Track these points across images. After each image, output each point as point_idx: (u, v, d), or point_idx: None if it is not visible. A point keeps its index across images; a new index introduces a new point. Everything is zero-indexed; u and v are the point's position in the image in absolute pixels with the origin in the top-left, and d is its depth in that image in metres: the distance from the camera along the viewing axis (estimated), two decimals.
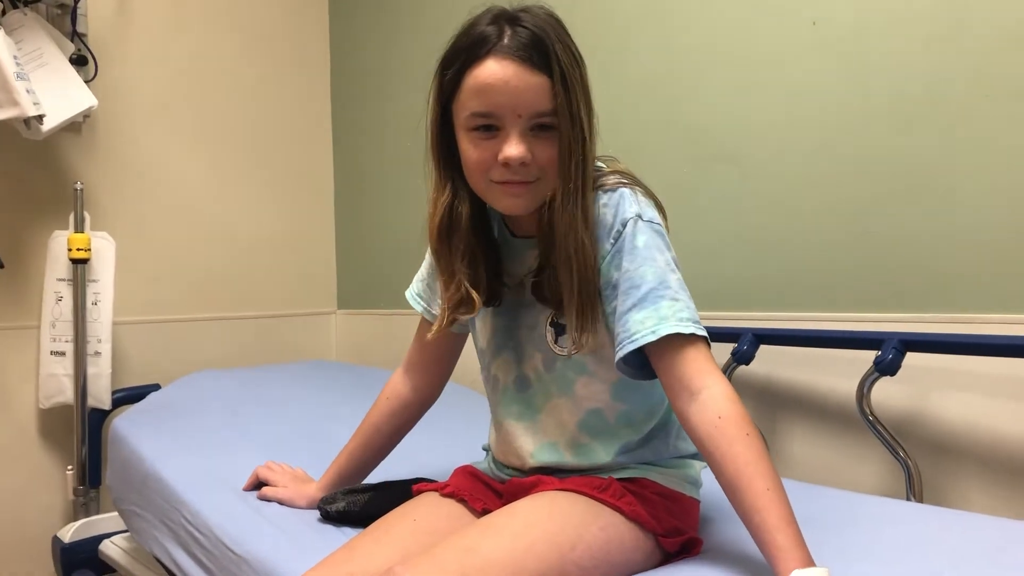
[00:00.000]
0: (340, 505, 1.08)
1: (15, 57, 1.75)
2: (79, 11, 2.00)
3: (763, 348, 1.44)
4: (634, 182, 0.93)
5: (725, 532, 0.96)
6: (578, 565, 0.82)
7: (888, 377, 1.24)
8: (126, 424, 1.58)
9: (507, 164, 0.86)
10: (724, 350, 1.45)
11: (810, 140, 1.45)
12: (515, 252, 0.99)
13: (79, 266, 1.96)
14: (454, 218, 0.94)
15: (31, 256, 2.01)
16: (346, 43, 2.61)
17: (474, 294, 0.94)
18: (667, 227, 0.93)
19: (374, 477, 1.17)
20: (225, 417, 1.62)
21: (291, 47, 2.56)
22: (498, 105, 0.86)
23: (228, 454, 1.39)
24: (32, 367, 2.01)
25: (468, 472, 1.06)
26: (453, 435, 1.45)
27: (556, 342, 0.96)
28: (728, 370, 1.45)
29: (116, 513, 1.57)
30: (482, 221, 0.97)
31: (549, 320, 0.96)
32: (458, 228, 0.94)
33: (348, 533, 1.04)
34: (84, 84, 1.93)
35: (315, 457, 1.29)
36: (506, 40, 0.85)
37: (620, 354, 0.87)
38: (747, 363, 1.44)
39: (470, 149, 0.89)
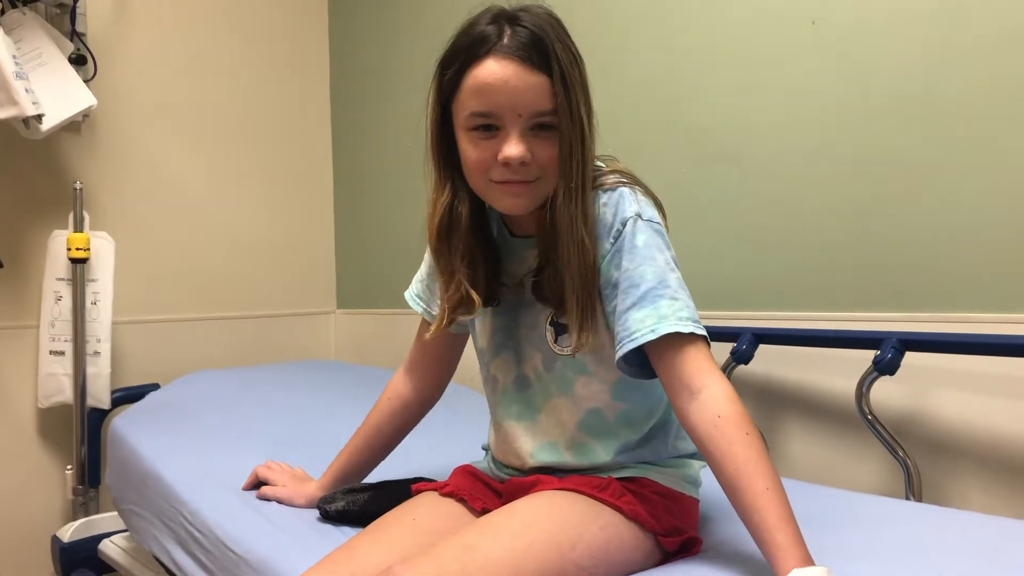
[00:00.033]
0: (339, 504, 1.08)
1: (14, 56, 1.74)
2: (78, 10, 2.00)
3: (762, 347, 1.44)
4: (633, 181, 0.93)
5: (724, 531, 0.96)
6: (577, 564, 0.82)
7: (887, 376, 1.24)
8: (125, 423, 1.58)
9: (507, 164, 0.86)
10: (723, 349, 1.45)
11: (810, 140, 1.45)
12: (514, 252, 0.99)
13: (78, 266, 1.96)
14: (454, 218, 0.94)
15: (30, 255, 2.01)
16: (345, 43, 2.61)
17: (473, 294, 0.94)
18: (667, 226, 0.93)
19: (374, 477, 1.17)
20: (224, 416, 1.62)
21: (290, 46, 2.56)
22: (498, 105, 0.86)
23: (227, 453, 1.39)
24: (31, 366, 2.01)
25: (467, 471, 1.06)
26: (452, 435, 1.45)
27: (556, 342, 0.96)
28: (727, 369, 1.45)
29: (115, 513, 1.57)
30: (481, 221, 0.97)
31: (549, 320, 0.96)
32: (458, 228, 0.94)
33: (347, 532, 1.04)
34: (83, 83, 1.93)
35: (314, 456, 1.29)
36: (506, 40, 0.85)
37: (620, 353, 0.87)
38: (746, 362, 1.44)
39: (470, 149, 0.89)
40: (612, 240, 0.90)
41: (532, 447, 0.98)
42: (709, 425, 0.80)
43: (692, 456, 1.00)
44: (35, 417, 2.03)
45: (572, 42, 0.89)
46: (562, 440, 0.97)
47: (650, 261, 0.87)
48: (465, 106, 0.88)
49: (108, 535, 1.75)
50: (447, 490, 1.00)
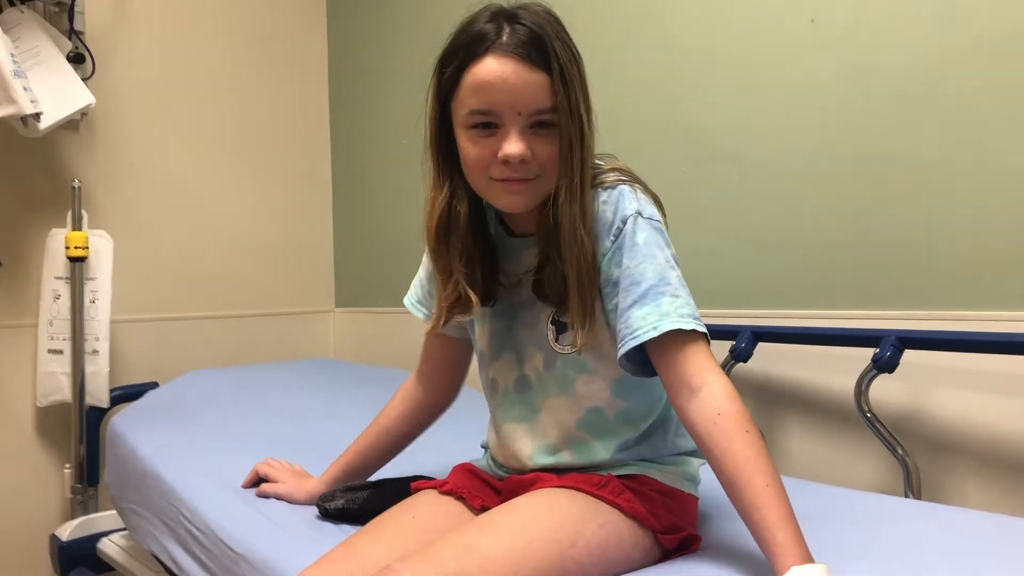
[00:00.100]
0: (339, 502, 1.08)
1: (12, 55, 1.74)
2: (76, 9, 2.00)
3: (761, 346, 1.44)
4: (633, 179, 0.93)
5: (724, 529, 0.96)
6: (577, 562, 0.82)
7: (886, 374, 1.24)
8: (124, 422, 1.58)
9: (507, 161, 0.86)
10: (722, 348, 1.45)
11: (809, 139, 1.45)
12: (513, 251, 0.99)
13: (77, 264, 1.95)
14: (452, 217, 0.94)
15: (29, 254, 2.01)
16: (344, 42, 2.61)
17: (471, 294, 0.94)
18: (666, 224, 0.93)
19: (374, 476, 1.17)
20: (223, 415, 1.62)
21: (289, 45, 2.55)
22: (497, 103, 0.86)
23: (226, 452, 1.39)
24: (30, 365, 2.01)
25: (467, 469, 1.06)
26: (452, 433, 1.45)
27: (557, 340, 0.95)
28: (726, 368, 1.45)
29: (114, 511, 1.57)
30: (479, 220, 0.97)
31: (550, 319, 0.96)
32: (456, 227, 0.94)
33: (347, 531, 1.04)
34: (82, 82, 1.93)
35: (313, 454, 1.29)
36: (505, 37, 0.85)
37: (622, 350, 0.87)
38: (745, 361, 1.44)
39: (469, 147, 0.89)
40: (612, 238, 0.90)
41: (531, 449, 0.98)
42: (709, 423, 0.80)
43: (691, 454, 1.00)
44: (34, 416, 2.03)
45: (571, 40, 0.89)
46: (562, 440, 0.97)
47: (651, 259, 0.87)
48: (464, 104, 0.88)
49: (107, 534, 1.75)
50: (446, 488, 1.00)
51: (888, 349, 1.22)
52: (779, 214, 1.50)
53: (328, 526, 1.07)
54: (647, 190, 0.94)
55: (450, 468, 1.07)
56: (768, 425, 1.50)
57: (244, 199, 2.43)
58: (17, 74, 1.73)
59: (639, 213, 0.89)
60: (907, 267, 1.33)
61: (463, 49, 0.87)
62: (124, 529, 1.61)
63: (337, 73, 2.64)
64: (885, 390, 1.32)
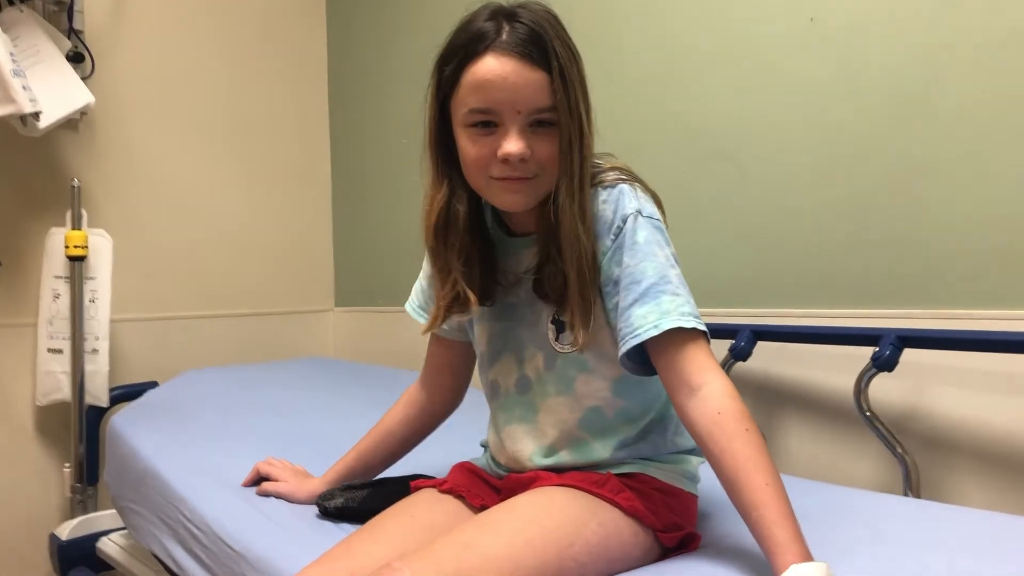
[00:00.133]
0: (338, 501, 1.08)
1: (11, 54, 1.74)
2: (76, 8, 2.00)
3: (760, 344, 1.44)
4: (632, 178, 0.93)
5: (723, 527, 0.96)
6: (576, 561, 0.82)
7: (886, 373, 1.24)
8: (123, 421, 1.58)
9: (506, 160, 0.86)
10: (722, 346, 1.45)
11: (808, 138, 1.45)
12: (512, 251, 0.99)
13: (76, 263, 1.95)
14: (451, 216, 0.94)
15: (28, 253, 2.01)
16: (343, 42, 2.60)
17: (469, 293, 0.94)
18: (666, 223, 0.93)
19: None
20: (223, 414, 1.62)
21: (289, 43, 2.55)
22: (497, 101, 0.86)
23: (226, 451, 1.39)
24: (29, 364, 2.01)
25: (466, 468, 1.05)
26: (451, 432, 1.45)
27: (557, 340, 0.95)
28: (726, 367, 1.45)
29: (114, 510, 1.57)
30: (478, 220, 0.97)
31: (550, 318, 0.95)
32: (455, 226, 0.94)
33: (346, 529, 1.04)
34: (81, 81, 1.93)
35: (313, 453, 1.29)
36: (504, 36, 0.85)
37: (624, 349, 0.87)
38: (744, 359, 1.44)
39: (469, 146, 0.89)
40: (613, 237, 0.90)
41: (531, 451, 0.98)
42: (709, 421, 0.80)
43: (691, 452, 1.00)
44: (33, 415, 2.03)
45: (569, 38, 0.89)
46: (561, 440, 0.96)
47: (651, 257, 0.87)
48: (464, 102, 0.88)
49: (106, 533, 1.75)
50: (446, 487, 1.00)
51: (888, 348, 1.22)
52: (778, 213, 1.49)
53: (327, 525, 1.07)
54: (647, 189, 0.94)
55: (450, 467, 1.07)
56: (768, 424, 1.50)
57: (244, 198, 2.43)
58: (16, 73, 1.73)
59: (639, 212, 0.89)
60: (907, 266, 1.33)
61: (462, 48, 0.87)
62: (124, 528, 1.61)
63: (336, 72, 2.63)
64: (884, 389, 1.32)
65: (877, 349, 1.23)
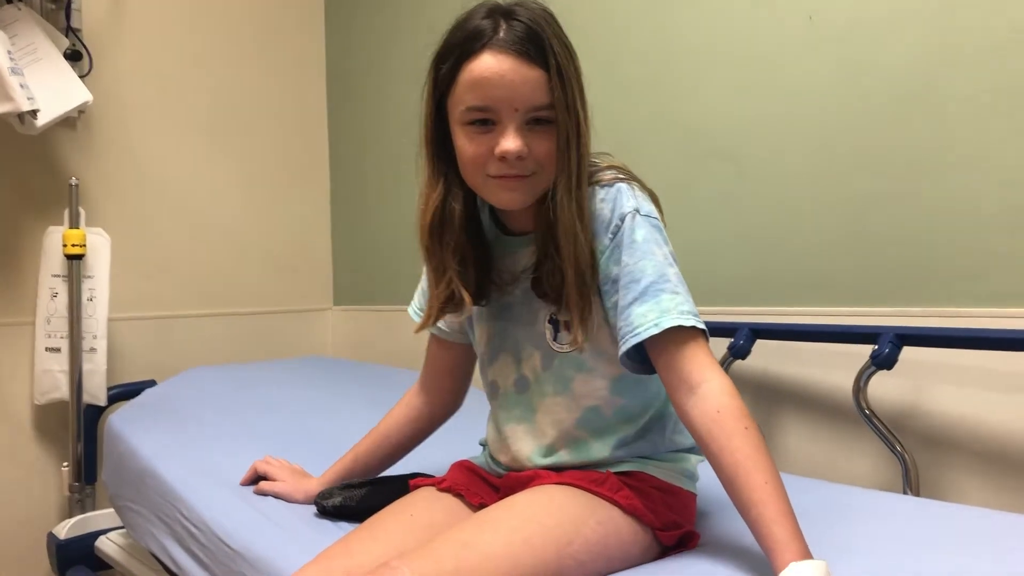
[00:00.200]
0: (337, 500, 1.08)
1: (9, 52, 1.74)
2: (73, 6, 2.00)
3: (759, 343, 1.44)
4: (630, 177, 0.93)
5: (722, 526, 0.96)
6: (575, 559, 0.82)
7: (885, 371, 1.24)
8: (122, 420, 1.57)
9: (504, 158, 0.86)
10: (720, 345, 1.45)
11: (807, 137, 1.45)
12: (508, 250, 0.99)
13: (74, 262, 1.95)
14: (446, 214, 0.93)
15: (26, 252, 2.00)
16: (342, 41, 2.60)
17: (464, 293, 0.94)
18: (664, 222, 0.93)
19: None
20: (221, 413, 1.62)
21: (287, 42, 2.55)
22: (494, 99, 0.85)
23: (224, 450, 1.39)
24: (27, 363, 2.01)
25: (465, 467, 1.05)
26: (450, 430, 1.44)
27: (555, 339, 0.95)
28: (725, 365, 1.45)
29: (112, 509, 1.57)
30: (474, 218, 0.97)
31: (548, 317, 0.95)
32: (450, 225, 0.93)
33: (345, 528, 1.04)
34: (79, 79, 1.92)
35: (312, 452, 1.28)
36: (501, 34, 0.85)
37: (624, 348, 0.87)
38: (743, 357, 1.44)
39: (466, 144, 0.89)
40: (611, 235, 0.89)
41: (530, 451, 0.98)
42: (708, 419, 0.80)
43: (690, 450, 1.00)
44: (31, 414, 2.03)
45: (566, 36, 0.89)
46: (560, 440, 0.96)
47: (650, 256, 0.87)
48: (461, 100, 0.87)
49: (104, 532, 1.74)
50: (444, 485, 1.00)
51: (887, 346, 1.22)
52: (777, 212, 1.49)
53: (326, 523, 1.07)
54: (644, 187, 0.93)
55: (448, 465, 1.07)
56: (767, 422, 1.50)
57: (242, 197, 2.43)
58: (14, 71, 1.72)
59: (637, 210, 0.89)
60: (906, 264, 1.33)
61: (459, 46, 0.87)
62: (122, 527, 1.61)
63: (335, 71, 2.63)
64: (884, 387, 1.32)
65: (876, 347, 1.23)
